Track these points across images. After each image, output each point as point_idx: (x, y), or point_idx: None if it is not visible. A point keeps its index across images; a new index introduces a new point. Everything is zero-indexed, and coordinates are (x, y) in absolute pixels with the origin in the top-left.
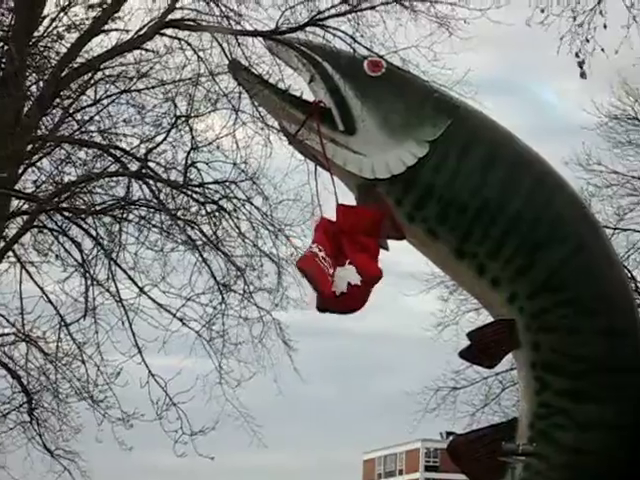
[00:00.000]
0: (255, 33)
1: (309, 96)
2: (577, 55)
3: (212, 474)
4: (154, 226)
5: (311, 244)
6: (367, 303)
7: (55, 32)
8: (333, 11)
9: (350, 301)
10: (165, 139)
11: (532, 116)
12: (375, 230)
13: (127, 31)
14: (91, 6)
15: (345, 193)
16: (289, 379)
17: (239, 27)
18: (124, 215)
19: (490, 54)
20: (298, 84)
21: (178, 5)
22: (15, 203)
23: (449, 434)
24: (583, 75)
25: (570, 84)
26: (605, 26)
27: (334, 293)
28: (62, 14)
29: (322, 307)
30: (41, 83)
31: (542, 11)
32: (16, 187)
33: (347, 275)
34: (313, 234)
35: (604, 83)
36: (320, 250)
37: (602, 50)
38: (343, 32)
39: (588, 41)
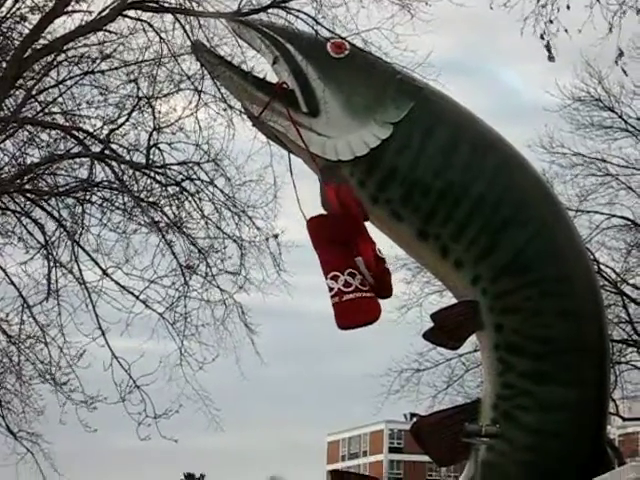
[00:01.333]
0: (218, 14)
1: (272, 77)
2: (542, 37)
3: (177, 455)
4: (117, 208)
5: (327, 282)
6: None
7: (18, 13)
8: None
9: (383, 285)
10: (127, 120)
11: (494, 99)
12: (356, 203)
13: (90, 12)
14: None
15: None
16: (251, 361)
17: (201, 8)
18: (87, 197)
19: (451, 36)
20: (261, 66)
21: None
22: None
23: (413, 415)
24: (551, 58)
25: (532, 66)
26: (568, 7)
27: (372, 285)
28: None
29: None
30: (4, 64)
31: None
32: None
33: (362, 268)
34: (318, 257)
35: (567, 65)
36: (336, 279)
37: (565, 31)
38: (305, 14)
39: (552, 22)
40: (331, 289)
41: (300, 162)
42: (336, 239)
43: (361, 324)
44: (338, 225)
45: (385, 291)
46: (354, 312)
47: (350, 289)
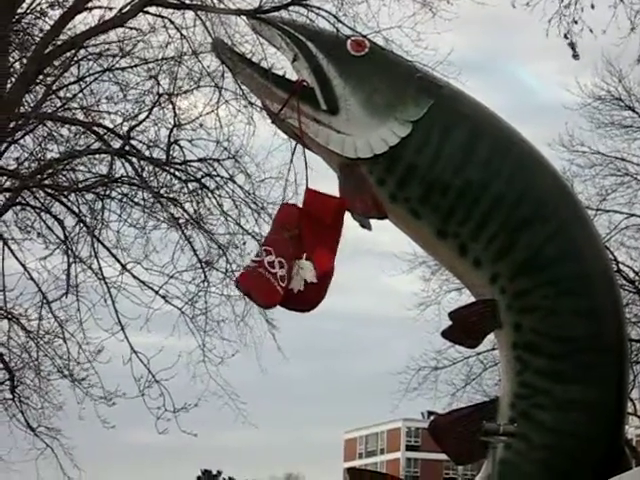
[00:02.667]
0: (238, 12)
1: (292, 75)
2: (566, 36)
3: (195, 451)
4: (137, 204)
5: (259, 250)
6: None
7: (39, 9)
8: None
9: (308, 298)
10: (148, 117)
11: (511, 97)
12: (337, 220)
13: (110, 9)
14: None
15: (323, 175)
16: (271, 358)
17: (222, 6)
18: (107, 192)
19: (469, 35)
20: (281, 63)
21: None
22: None
23: (430, 414)
24: (576, 57)
25: (550, 65)
26: (592, 6)
27: (292, 291)
28: None
29: (283, 306)
30: (24, 60)
31: None
32: None
33: (304, 273)
34: (270, 230)
35: (586, 64)
36: (268, 254)
37: (590, 31)
38: (326, 11)
39: (576, 22)
40: (258, 255)
41: (320, 160)
42: (292, 238)
43: (252, 297)
44: (301, 228)
45: (306, 304)
46: (256, 285)
47: (271, 270)
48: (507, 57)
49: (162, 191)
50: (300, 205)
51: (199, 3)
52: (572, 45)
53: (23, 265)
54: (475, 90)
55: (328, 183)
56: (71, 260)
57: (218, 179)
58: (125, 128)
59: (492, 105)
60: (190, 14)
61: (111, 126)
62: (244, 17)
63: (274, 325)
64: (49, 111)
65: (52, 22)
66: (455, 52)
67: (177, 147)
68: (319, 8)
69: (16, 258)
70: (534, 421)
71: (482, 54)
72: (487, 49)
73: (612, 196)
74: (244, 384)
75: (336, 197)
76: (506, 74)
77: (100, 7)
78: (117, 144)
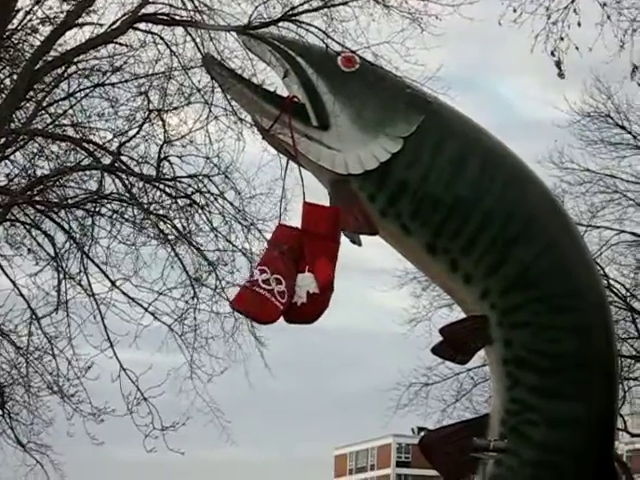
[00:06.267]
0: (228, 28)
1: (283, 91)
2: (553, 54)
3: (182, 469)
4: (126, 220)
5: (253, 270)
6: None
7: (29, 25)
8: (306, 6)
9: (312, 310)
10: (138, 133)
11: (496, 113)
12: (333, 229)
13: (101, 25)
14: None
15: (316, 190)
16: (260, 374)
17: (212, 22)
18: (97, 209)
19: (457, 50)
20: (272, 79)
21: None
22: None
23: (421, 429)
24: (561, 75)
25: (535, 81)
26: (579, 24)
27: (295, 304)
28: (36, 7)
29: (288, 321)
30: (14, 76)
31: (514, 10)
32: None
33: (306, 284)
34: (263, 251)
35: (574, 81)
36: (262, 272)
37: (576, 49)
38: (316, 27)
39: (562, 39)
40: (252, 276)
41: (310, 176)
42: (291, 255)
43: (250, 316)
44: (302, 245)
45: (311, 316)
46: (253, 303)
47: (266, 287)
48: (490, 73)
49: (152, 207)
50: (294, 225)
51: (189, 19)
52: (558, 64)
53: (13, 282)
54: (462, 105)
55: (318, 199)
56: (61, 276)
57: (208, 195)
58: (115, 144)
59: (478, 121)
60: (180, 30)
61: (101, 142)
62: (234, 33)
63: (262, 342)
64: (39, 127)
65: (42, 38)
66: (444, 68)
67: (167, 163)
68: (309, 24)
69: (6, 274)
70: (524, 437)
71: (466, 69)
72: (471, 64)
73: (602, 213)
74: (232, 401)
75: (330, 207)
76: (490, 90)
77: (90, 23)
78: (107, 160)
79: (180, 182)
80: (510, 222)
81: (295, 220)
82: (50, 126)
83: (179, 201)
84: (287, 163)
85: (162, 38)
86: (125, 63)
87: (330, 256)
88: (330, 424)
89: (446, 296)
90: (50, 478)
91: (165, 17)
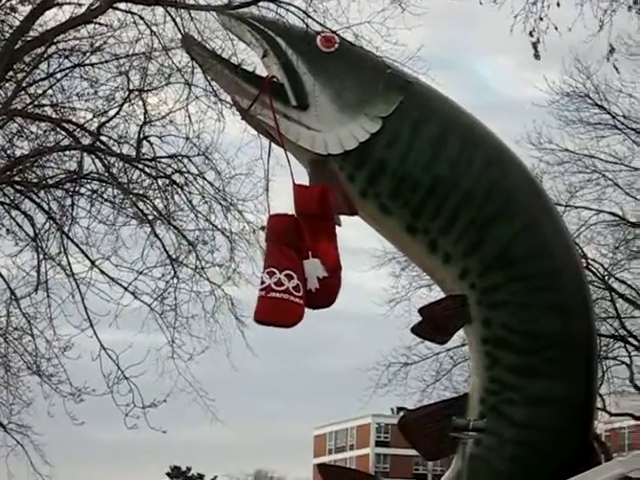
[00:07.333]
0: (208, 7)
1: (262, 71)
2: (531, 34)
3: (165, 448)
4: (106, 200)
5: (262, 276)
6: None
7: (8, 4)
8: None
9: (326, 293)
10: (118, 113)
11: (475, 93)
12: (325, 207)
13: (80, 5)
14: None
15: (299, 171)
16: (241, 354)
17: (192, 1)
18: (76, 189)
19: (437, 31)
20: (251, 59)
21: None
22: None
23: (400, 409)
24: (537, 56)
25: (514, 62)
26: (558, 4)
27: (310, 291)
28: None
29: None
30: None
31: None
32: None
33: (314, 270)
34: (265, 250)
35: (554, 61)
36: (271, 275)
37: (556, 29)
38: (296, 7)
39: (542, 19)
40: (263, 282)
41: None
42: (292, 244)
43: (276, 324)
44: (299, 229)
45: (327, 299)
46: (274, 311)
47: (280, 288)
48: (469, 53)
49: (131, 187)
50: (284, 212)
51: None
52: (535, 45)
53: None
54: (441, 86)
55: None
56: (41, 257)
57: (188, 175)
58: (95, 124)
59: (457, 101)
60: (160, 10)
61: (81, 122)
62: (214, 13)
63: (243, 322)
64: (19, 107)
65: (22, 18)
66: (423, 48)
67: (147, 143)
68: (289, 4)
69: None
70: (504, 416)
71: (446, 49)
72: (450, 44)
73: (581, 193)
74: (213, 380)
75: (319, 185)
76: (468, 69)
77: (70, 3)
78: (87, 140)
79: (160, 162)
80: (489, 202)
81: (277, 200)
82: (30, 106)
83: (159, 181)
84: (269, 146)
85: (142, 18)
86: (105, 43)
87: (329, 235)
88: (310, 404)
89: (425, 276)
90: (31, 458)
91: None
